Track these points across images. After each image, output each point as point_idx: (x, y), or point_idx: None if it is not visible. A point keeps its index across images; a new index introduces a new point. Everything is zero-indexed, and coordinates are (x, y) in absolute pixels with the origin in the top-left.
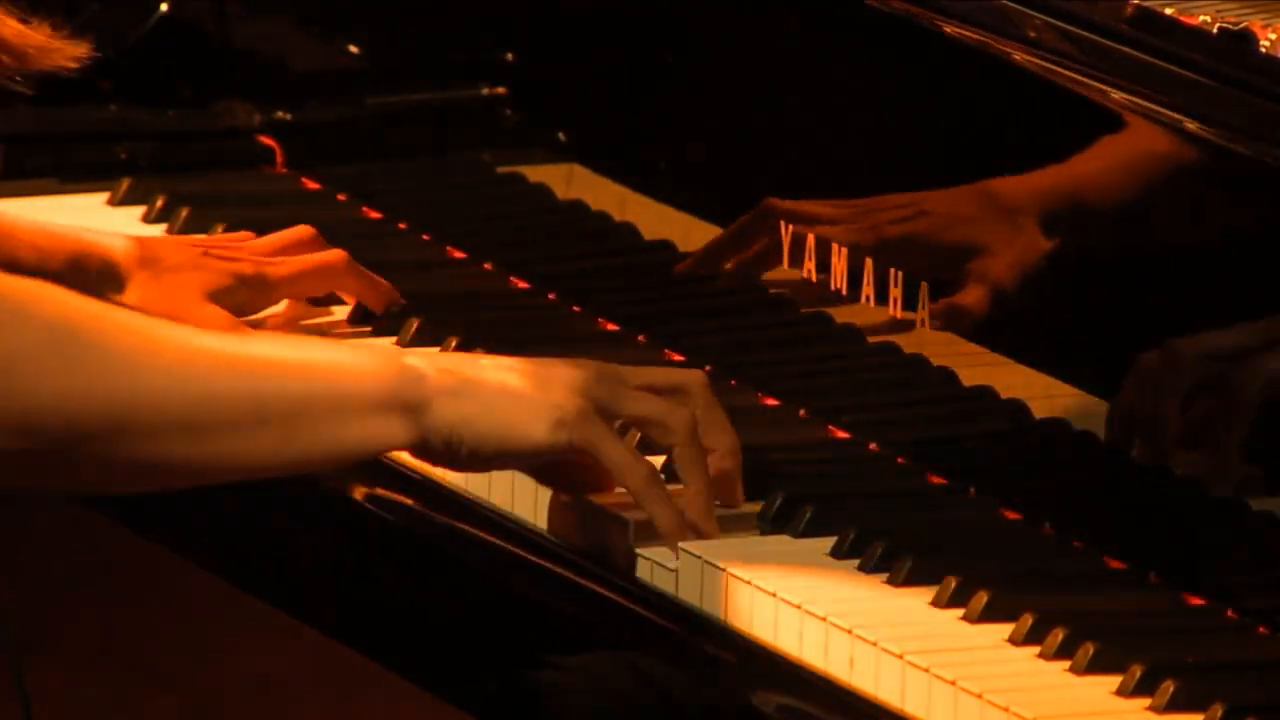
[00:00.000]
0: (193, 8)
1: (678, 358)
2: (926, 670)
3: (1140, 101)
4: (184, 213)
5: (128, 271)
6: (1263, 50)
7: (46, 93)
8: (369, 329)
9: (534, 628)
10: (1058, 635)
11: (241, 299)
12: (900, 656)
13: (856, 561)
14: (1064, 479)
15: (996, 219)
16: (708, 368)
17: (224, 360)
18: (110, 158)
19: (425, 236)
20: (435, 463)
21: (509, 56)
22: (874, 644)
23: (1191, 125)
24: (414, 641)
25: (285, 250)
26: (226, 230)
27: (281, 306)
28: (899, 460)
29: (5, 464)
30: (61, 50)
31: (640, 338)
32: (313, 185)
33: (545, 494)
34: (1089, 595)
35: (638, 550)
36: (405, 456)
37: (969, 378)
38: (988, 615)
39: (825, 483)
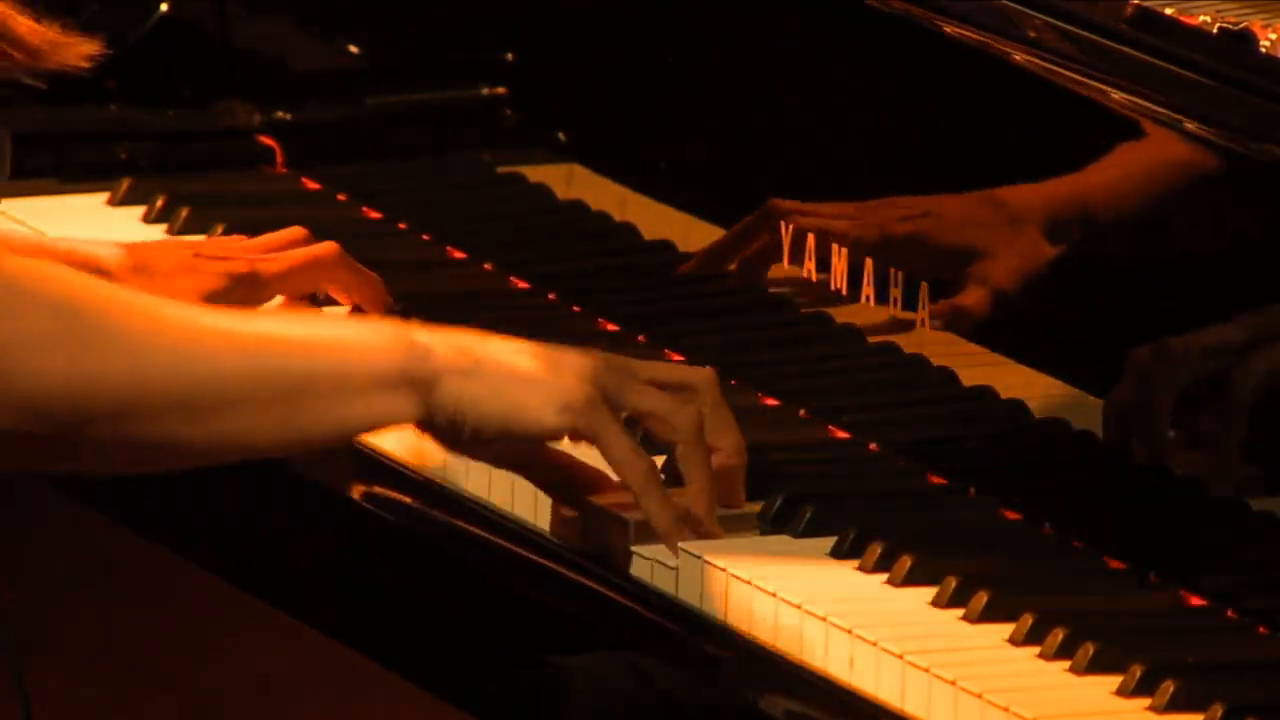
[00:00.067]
0: (193, 8)
1: (678, 358)
2: (926, 670)
3: (1140, 101)
4: (184, 213)
5: (121, 280)
6: (1263, 50)
7: (47, 93)
8: None
9: (534, 628)
10: (1058, 635)
11: (236, 299)
12: (900, 656)
13: (856, 561)
14: (1064, 479)
15: (996, 220)
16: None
17: (230, 339)
18: (110, 158)
19: (425, 236)
20: (438, 440)
21: (509, 56)
22: (874, 644)
23: (1191, 125)
24: (414, 641)
25: (277, 250)
26: (226, 230)
27: (276, 303)
28: (899, 460)
29: (9, 446)
30: (74, 48)
31: (640, 338)
32: (313, 185)
33: (543, 495)
34: (1089, 595)
35: (635, 550)
36: (405, 456)
37: (969, 378)
38: (988, 615)
39: (825, 483)
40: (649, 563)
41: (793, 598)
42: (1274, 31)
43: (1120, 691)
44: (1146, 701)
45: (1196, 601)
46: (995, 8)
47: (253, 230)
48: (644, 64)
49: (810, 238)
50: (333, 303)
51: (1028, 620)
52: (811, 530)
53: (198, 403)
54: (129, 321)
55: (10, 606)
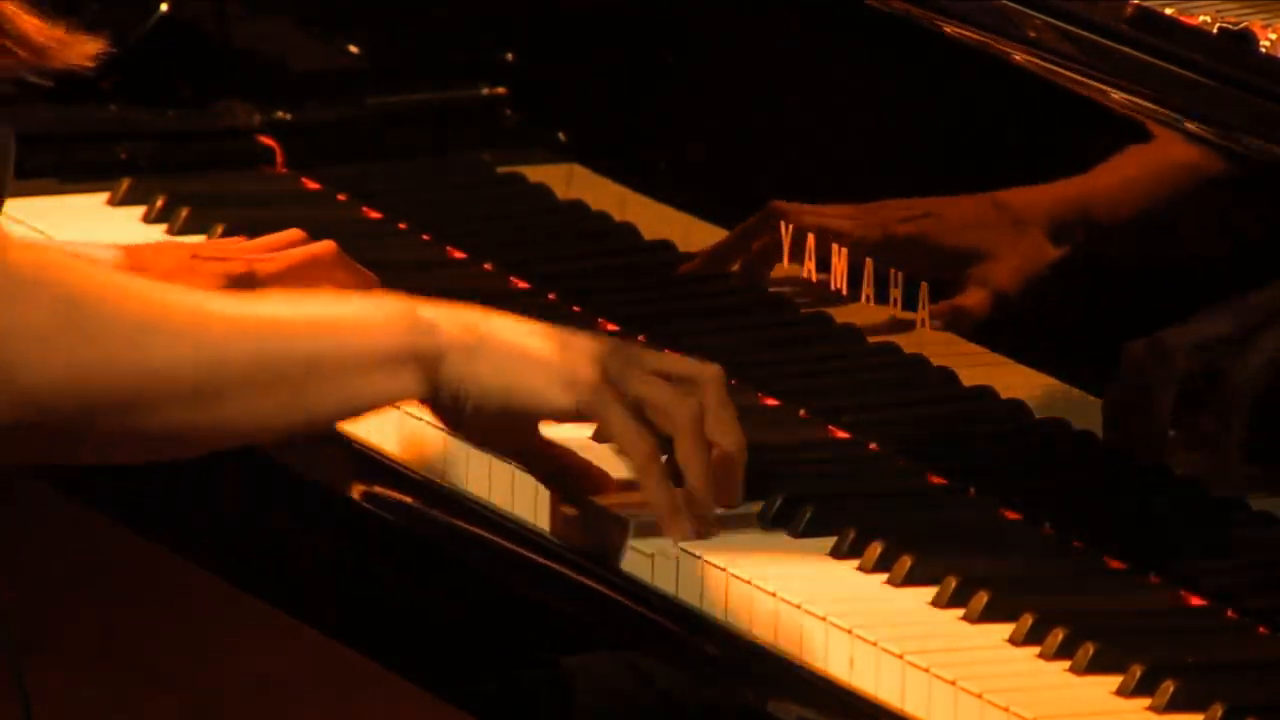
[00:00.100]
0: (193, 8)
1: None
2: (926, 670)
3: (1140, 101)
4: (184, 213)
5: None
6: (1263, 50)
7: (46, 92)
8: None
9: (534, 628)
10: (1058, 635)
11: None
12: (900, 656)
13: (856, 561)
14: (1064, 479)
15: (996, 220)
16: None
17: (234, 323)
18: (110, 158)
19: (425, 236)
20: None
21: (509, 56)
22: (874, 644)
23: (1191, 125)
24: (414, 641)
25: (274, 251)
26: (226, 231)
27: None
28: (899, 460)
29: (11, 440)
30: (80, 46)
31: (640, 338)
32: (313, 185)
33: (545, 494)
34: (1089, 595)
35: (633, 543)
36: (405, 456)
37: (969, 378)
38: (988, 615)
39: (825, 483)
40: (648, 558)
41: (793, 598)
42: (1274, 31)
43: (1120, 691)
44: (1146, 701)
45: (1196, 601)
46: (995, 8)
47: (253, 231)
48: (644, 64)
49: (810, 238)
50: None
51: (1028, 620)
52: (811, 530)
53: (203, 389)
54: (132, 309)
55: (10, 606)
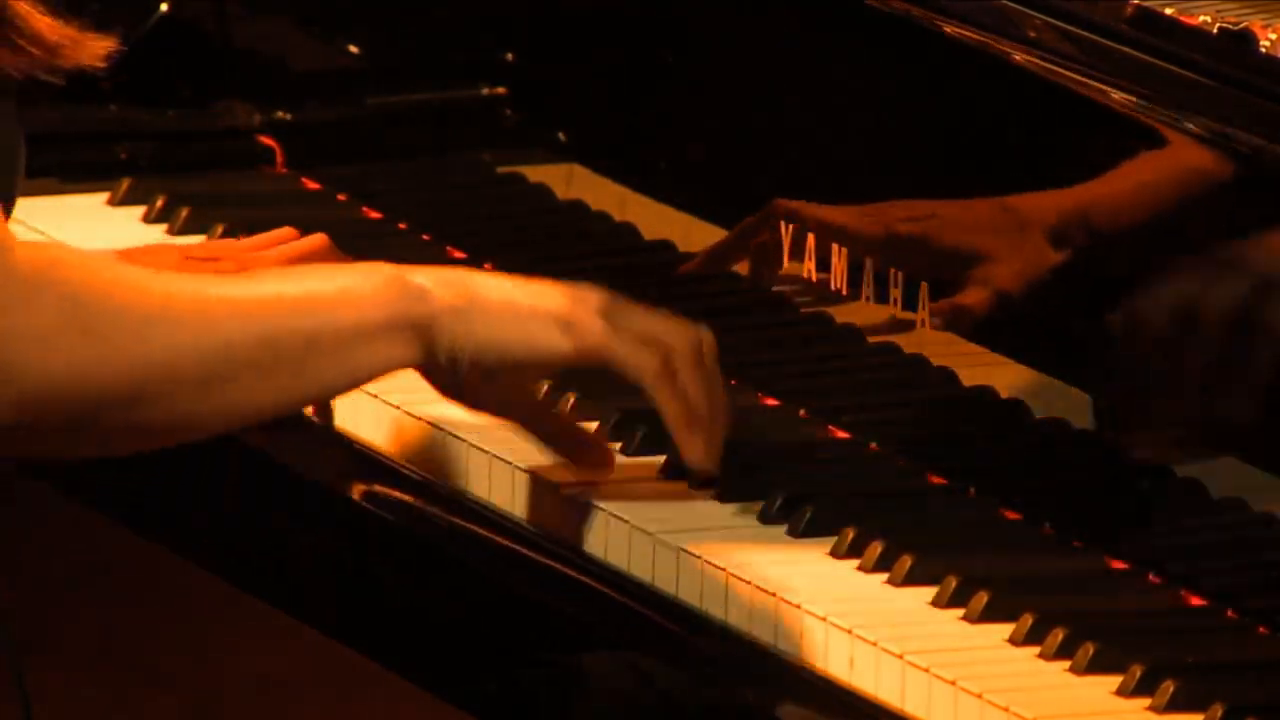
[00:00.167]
0: (193, 8)
1: None
2: (926, 670)
3: (1140, 101)
4: (184, 213)
5: None
6: (1263, 50)
7: (47, 92)
8: None
9: (534, 627)
10: (1058, 635)
11: None
12: (900, 656)
13: (856, 561)
14: (1064, 479)
15: (996, 220)
16: None
17: (233, 306)
18: (110, 158)
19: (425, 236)
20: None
21: (509, 56)
22: (874, 644)
23: (1192, 125)
24: (414, 641)
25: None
26: (226, 231)
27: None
28: (899, 460)
29: (15, 435)
30: (91, 46)
31: None
32: (313, 185)
33: (544, 493)
34: (1089, 595)
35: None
36: (404, 456)
37: (969, 378)
38: (988, 615)
39: (825, 483)
40: (648, 556)
41: (793, 597)
42: (1274, 31)
43: (1120, 691)
44: (1146, 701)
45: (1196, 601)
46: (995, 8)
47: (253, 231)
48: (644, 64)
49: (810, 238)
50: None
51: (1028, 620)
52: (811, 530)
53: (207, 376)
54: (135, 303)
55: (10, 606)
